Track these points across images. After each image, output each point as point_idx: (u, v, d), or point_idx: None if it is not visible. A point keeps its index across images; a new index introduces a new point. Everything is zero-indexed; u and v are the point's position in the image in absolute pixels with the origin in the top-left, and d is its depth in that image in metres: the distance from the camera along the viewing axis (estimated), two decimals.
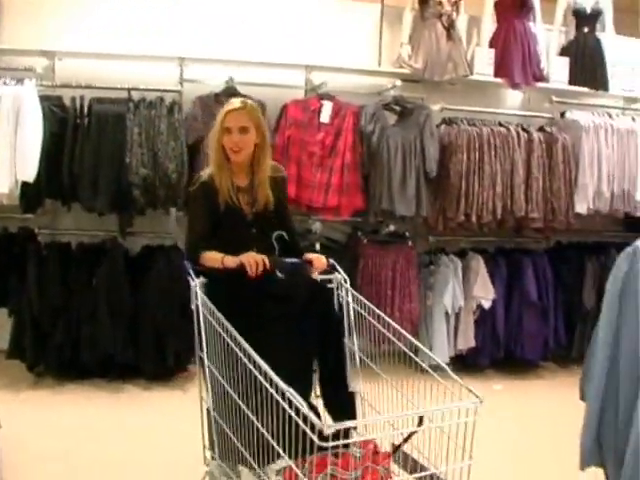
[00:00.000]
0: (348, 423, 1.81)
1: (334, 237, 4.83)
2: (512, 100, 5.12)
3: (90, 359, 4.17)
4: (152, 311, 4.25)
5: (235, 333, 2.19)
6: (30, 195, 4.14)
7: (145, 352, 4.24)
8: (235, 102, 2.73)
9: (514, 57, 4.70)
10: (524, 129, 4.64)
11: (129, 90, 4.31)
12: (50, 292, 4.15)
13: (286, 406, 1.90)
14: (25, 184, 4.04)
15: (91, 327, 4.17)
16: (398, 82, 4.61)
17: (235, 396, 2.25)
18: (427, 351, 2.41)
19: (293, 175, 4.28)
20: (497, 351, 4.72)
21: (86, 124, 4.23)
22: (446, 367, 2.26)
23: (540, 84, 4.86)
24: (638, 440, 1.94)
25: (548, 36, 4.99)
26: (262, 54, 4.62)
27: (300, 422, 1.82)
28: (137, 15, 4.60)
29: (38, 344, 4.15)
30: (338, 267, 2.70)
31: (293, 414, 1.86)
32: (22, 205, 4.19)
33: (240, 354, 2.15)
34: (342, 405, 2.56)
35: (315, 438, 1.77)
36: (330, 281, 2.67)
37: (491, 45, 4.82)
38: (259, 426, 2.12)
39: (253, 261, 2.46)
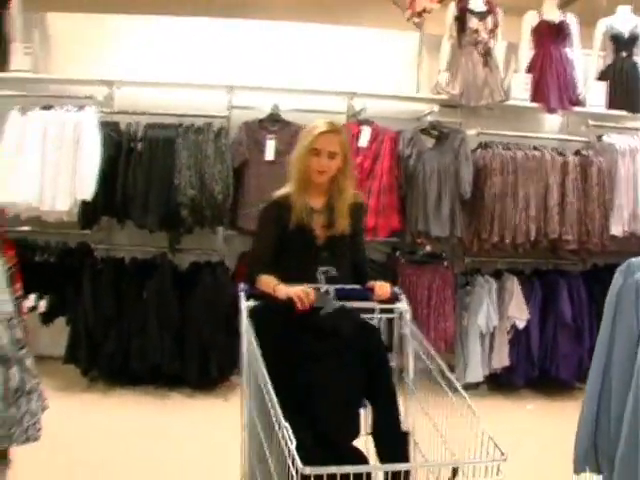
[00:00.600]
0: (347, 468, 1.66)
1: (374, 257, 5.00)
2: (550, 124, 5.22)
3: (139, 367, 4.45)
4: (198, 324, 4.49)
5: (260, 364, 2.14)
6: (87, 213, 4.48)
7: (190, 363, 4.49)
8: (327, 125, 2.62)
9: (550, 82, 4.81)
10: (560, 153, 4.73)
11: (180, 116, 4.62)
12: (104, 304, 4.46)
13: (282, 443, 1.81)
14: (83, 202, 4.38)
15: (141, 338, 4.45)
16: (435, 108, 4.77)
17: (259, 426, 2.23)
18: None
19: None
20: (531, 371, 4.78)
21: (139, 148, 4.56)
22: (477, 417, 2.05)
23: (578, 108, 4.94)
24: (625, 447, 2.06)
25: (586, 61, 5.07)
26: (306, 82, 4.87)
27: (289, 461, 1.72)
28: (189, 45, 4.94)
29: (92, 351, 4.46)
30: (402, 297, 2.59)
31: (286, 452, 1.76)
32: (80, 222, 4.54)
33: (262, 386, 2.10)
34: (392, 446, 2.43)
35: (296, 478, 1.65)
36: (392, 311, 2.57)
37: (528, 71, 4.93)
38: (269, 462, 2.06)
39: (303, 294, 2.39)
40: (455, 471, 1.91)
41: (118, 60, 4.86)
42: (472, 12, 4.79)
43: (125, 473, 3.29)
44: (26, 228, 4.66)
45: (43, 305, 4.52)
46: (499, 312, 4.73)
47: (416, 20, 4.75)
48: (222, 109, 4.76)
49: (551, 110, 4.88)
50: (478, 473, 1.79)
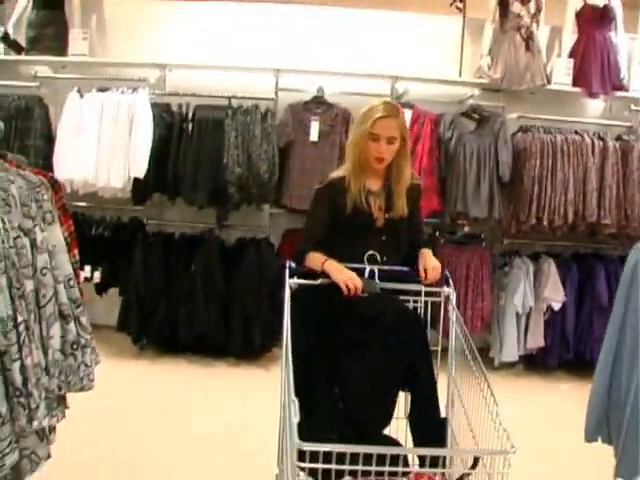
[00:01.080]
0: (342, 447, 1.64)
1: None
2: (593, 109, 5.23)
3: (186, 337, 4.69)
4: (242, 297, 4.70)
5: (289, 342, 2.18)
6: (140, 189, 4.71)
7: (234, 334, 4.71)
8: (385, 108, 2.55)
9: (592, 67, 4.83)
10: (600, 137, 4.77)
11: (229, 98, 4.81)
12: (154, 276, 4.70)
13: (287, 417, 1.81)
14: (136, 180, 4.61)
15: (188, 309, 4.68)
16: (476, 91, 4.87)
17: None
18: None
19: None
20: (566, 352, 4.85)
21: (190, 128, 4.77)
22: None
23: (620, 93, 4.95)
24: (631, 418, 2.18)
25: (631, 45, 5.07)
26: (350, 65, 5.00)
27: (287, 434, 1.73)
28: (238, 30, 5.12)
29: (142, 321, 4.72)
30: (450, 280, 2.58)
31: (287, 430, 1.77)
32: (133, 198, 4.78)
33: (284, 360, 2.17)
34: (429, 432, 2.45)
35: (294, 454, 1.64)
36: (437, 294, 2.57)
37: (571, 55, 4.96)
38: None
39: (352, 285, 2.42)
40: (476, 460, 1.97)
41: (170, 43, 5.07)
42: None
43: (170, 437, 3.51)
44: (83, 204, 4.92)
45: (97, 276, 4.79)
46: (535, 293, 4.82)
47: (459, 5, 4.82)
48: (269, 91, 4.93)
49: (593, 95, 4.90)
50: (496, 464, 1.78)
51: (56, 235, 2.22)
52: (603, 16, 4.90)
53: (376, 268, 2.50)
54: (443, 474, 2.16)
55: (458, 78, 5.10)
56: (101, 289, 4.89)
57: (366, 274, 2.49)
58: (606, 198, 4.68)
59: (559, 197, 4.65)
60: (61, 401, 2.24)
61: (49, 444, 2.21)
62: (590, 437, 2.48)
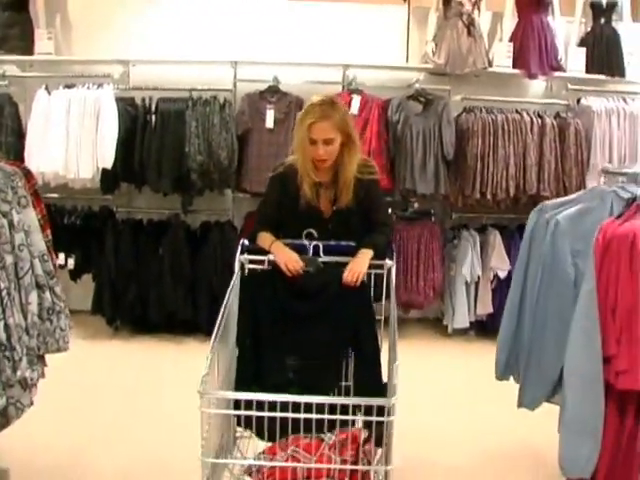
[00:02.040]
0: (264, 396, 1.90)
1: None
2: (535, 90, 5.55)
3: (157, 316, 5.01)
4: (208, 276, 5.00)
5: (230, 309, 2.42)
6: (108, 179, 5.00)
7: (202, 311, 5.01)
8: (319, 111, 2.65)
9: (531, 49, 5.13)
10: (539, 115, 5.08)
11: (190, 91, 5.08)
12: (124, 260, 5.00)
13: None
14: (104, 170, 4.89)
15: (157, 289, 4.99)
16: (421, 76, 5.18)
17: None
18: None
19: None
20: None
21: (153, 120, 5.06)
22: None
23: (558, 73, 5.27)
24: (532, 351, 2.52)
25: (568, 28, 5.38)
26: (304, 56, 5.28)
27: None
28: (196, 24, 5.39)
29: (114, 302, 5.03)
30: (394, 254, 2.73)
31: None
32: (102, 188, 5.06)
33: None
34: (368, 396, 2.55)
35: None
36: (381, 266, 2.69)
37: (511, 39, 5.27)
38: None
39: (291, 266, 2.60)
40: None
41: (132, 40, 5.31)
42: None
43: (145, 411, 3.77)
44: (55, 195, 5.20)
45: (71, 263, 5.08)
46: (483, 264, 5.15)
47: None
48: (228, 83, 5.22)
49: (532, 76, 5.21)
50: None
51: (30, 217, 2.57)
52: (539, 1, 5.20)
53: (321, 244, 2.69)
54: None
55: (405, 64, 5.41)
56: (75, 275, 5.19)
57: (310, 251, 2.68)
58: (545, 172, 5.00)
59: (501, 172, 4.97)
60: (40, 360, 2.58)
61: (32, 394, 2.52)
62: (501, 375, 2.81)
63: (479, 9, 5.21)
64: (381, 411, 1.90)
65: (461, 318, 5.20)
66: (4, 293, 2.29)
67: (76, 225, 5.18)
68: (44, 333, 2.56)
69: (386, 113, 5.05)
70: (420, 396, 3.91)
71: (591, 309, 2.18)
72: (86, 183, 4.98)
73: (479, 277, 5.16)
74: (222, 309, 2.39)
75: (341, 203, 2.76)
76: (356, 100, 5.01)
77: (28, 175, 2.69)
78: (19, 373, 2.31)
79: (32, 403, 2.52)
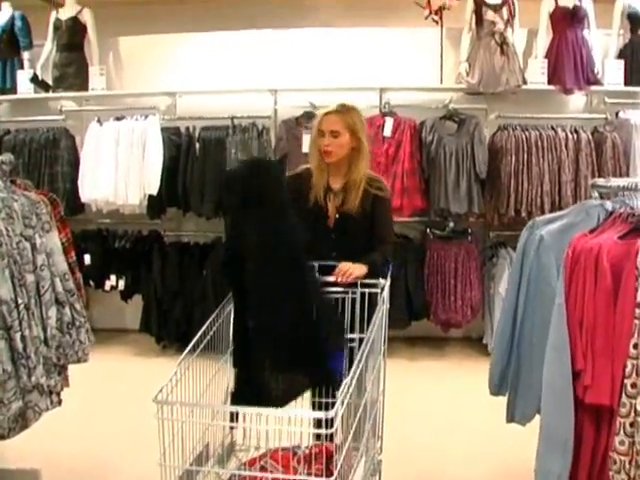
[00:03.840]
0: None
1: (408, 235, 5.50)
2: (575, 104, 5.49)
3: None
4: None
5: None
6: (154, 205, 5.30)
7: None
8: (332, 106, 2.79)
9: (565, 65, 5.11)
10: (575, 131, 5.03)
11: (231, 118, 5.35)
12: (170, 280, 5.28)
13: None
14: (150, 196, 5.20)
15: (201, 308, 5.21)
16: (456, 96, 5.24)
17: None
18: None
19: None
20: None
21: (196, 148, 5.34)
22: None
23: (597, 87, 5.20)
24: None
25: (606, 41, 5.32)
26: (341, 81, 5.43)
27: None
28: (236, 55, 5.64)
29: (161, 321, 5.30)
30: (386, 274, 2.68)
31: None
32: (149, 213, 5.37)
33: None
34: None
35: None
36: (375, 285, 2.64)
37: (547, 55, 5.25)
38: None
39: None
40: None
41: (178, 73, 5.63)
42: (488, 5, 5.17)
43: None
44: (107, 220, 5.55)
45: (122, 284, 5.39)
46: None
47: (435, 17, 5.20)
48: (267, 110, 5.45)
49: (567, 91, 5.18)
50: None
51: (53, 241, 2.83)
52: (574, 16, 5.18)
53: (316, 264, 2.60)
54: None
55: (440, 85, 5.47)
56: (126, 296, 5.49)
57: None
58: (582, 187, 4.94)
59: (535, 189, 4.95)
60: (61, 370, 2.82)
61: (50, 400, 2.74)
62: (495, 390, 2.82)
63: (512, 27, 5.23)
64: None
65: None
66: (21, 307, 2.53)
67: (127, 248, 5.50)
68: (64, 345, 2.79)
69: (419, 134, 5.14)
70: (458, 415, 3.97)
71: (561, 324, 2.20)
72: (135, 208, 5.30)
73: None
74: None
75: (347, 207, 2.79)
76: (389, 122, 5.12)
77: (54, 203, 2.95)
78: (33, 379, 2.53)
79: (48, 408, 2.72)
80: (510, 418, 2.70)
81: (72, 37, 5.53)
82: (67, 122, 5.55)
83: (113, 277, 5.33)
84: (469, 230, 5.32)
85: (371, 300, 2.68)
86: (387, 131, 5.10)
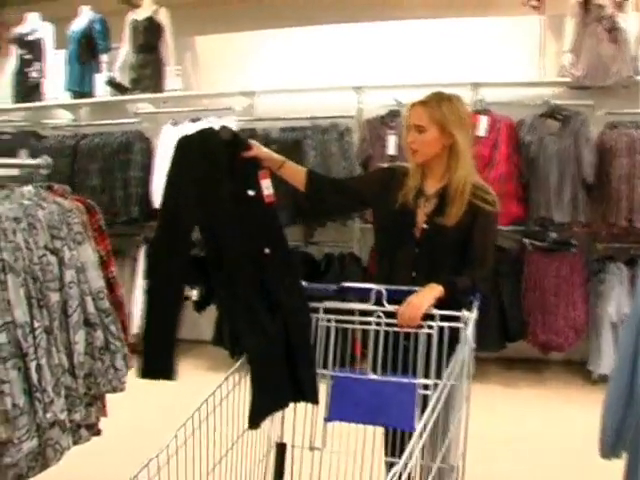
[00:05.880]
0: None
1: (504, 245, 4.98)
2: None
3: None
4: None
5: None
6: None
7: None
8: (424, 97, 2.38)
9: None
10: None
11: (311, 119, 5.01)
12: None
13: None
14: None
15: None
16: (559, 91, 4.69)
17: None
18: None
19: None
20: None
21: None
22: None
23: None
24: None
25: None
26: (430, 75, 4.99)
27: None
28: (317, 52, 5.32)
29: (234, 334, 5.00)
30: (471, 305, 2.23)
31: None
32: None
33: None
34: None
35: None
36: (457, 318, 2.18)
37: None
38: None
39: None
40: None
41: (256, 72, 5.37)
42: None
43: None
44: None
45: (195, 294, 5.14)
46: (632, 301, 4.51)
47: (534, 3, 4.68)
48: (349, 109, 5.08)
49: None
50: None
51: (87, 254, 2.46)
52: None
53: (384, 290, 2.23)
54: None
55: (540, 79, 4.93)
56: (200, 307, 5.23)
57: (373, 297, 2.24)
58: None
59: None
60: (93, 401, 2.49)
61: (77, 436, 2.43)
62: (608, 452, 2.33)
63: (624, 11, 4.63)
64: None
65: (608, 362, 4.56)
66: (37, 332, 2.20)
67: (201, 257, 5.24)
68: (95, 373, 2.44)
69: (516, 134, 4.63)
70: (550, 444, 3.57)
71: None
72: None
73: (626, 316, 4.51)
74: None
75: (440, 218, 2.34)
76: (483, 121, 4.64)
77: (92, 211, 2.60)
78: (49, 415, 2.22)
79: (70, 447, 2.36)
80: None
81: (148, 38, 5.39)
82: (142, 125, 5.38)
83: (186, 287, 5.08)
84: (573, 241, 4.73)
85: (451, 334, 2.19)
86: (481, 130, 4.62)
